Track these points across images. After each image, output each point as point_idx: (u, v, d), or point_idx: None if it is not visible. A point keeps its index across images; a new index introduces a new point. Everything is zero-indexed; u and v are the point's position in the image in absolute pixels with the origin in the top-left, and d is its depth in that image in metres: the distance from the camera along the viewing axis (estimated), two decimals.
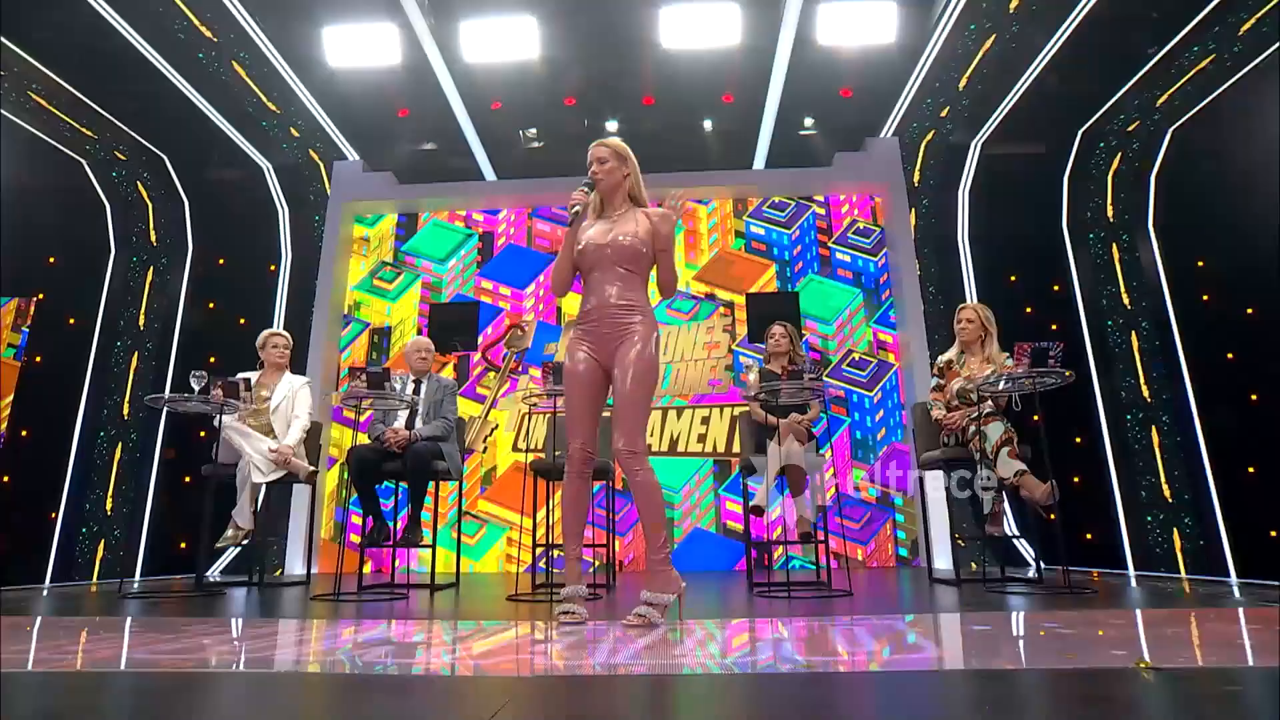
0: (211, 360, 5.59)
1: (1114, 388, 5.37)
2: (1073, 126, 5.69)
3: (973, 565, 4.69)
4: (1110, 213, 5.72)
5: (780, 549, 5.09)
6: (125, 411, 5.74)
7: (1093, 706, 1.25)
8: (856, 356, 5.82)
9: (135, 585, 4.29)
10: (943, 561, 4.67)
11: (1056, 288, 5.73)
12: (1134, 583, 3.72)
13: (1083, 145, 5.73)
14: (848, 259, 6.09)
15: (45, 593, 4.03)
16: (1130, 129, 5.53)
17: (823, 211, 6.21)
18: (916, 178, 6.05)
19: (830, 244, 6.12)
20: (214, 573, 5.16)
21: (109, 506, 5.52)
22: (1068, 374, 3.15)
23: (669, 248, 2.49)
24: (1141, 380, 5.35)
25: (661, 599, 2.30)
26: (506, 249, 6.30)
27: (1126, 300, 5.53)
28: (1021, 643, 1.99)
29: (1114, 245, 5.65)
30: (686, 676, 1.59)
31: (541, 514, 3.94)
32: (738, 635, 2.18)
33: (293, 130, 5.93)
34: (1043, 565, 3.67)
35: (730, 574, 4.81)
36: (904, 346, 5.74)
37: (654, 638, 2.03)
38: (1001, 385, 3.36)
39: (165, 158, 6.03)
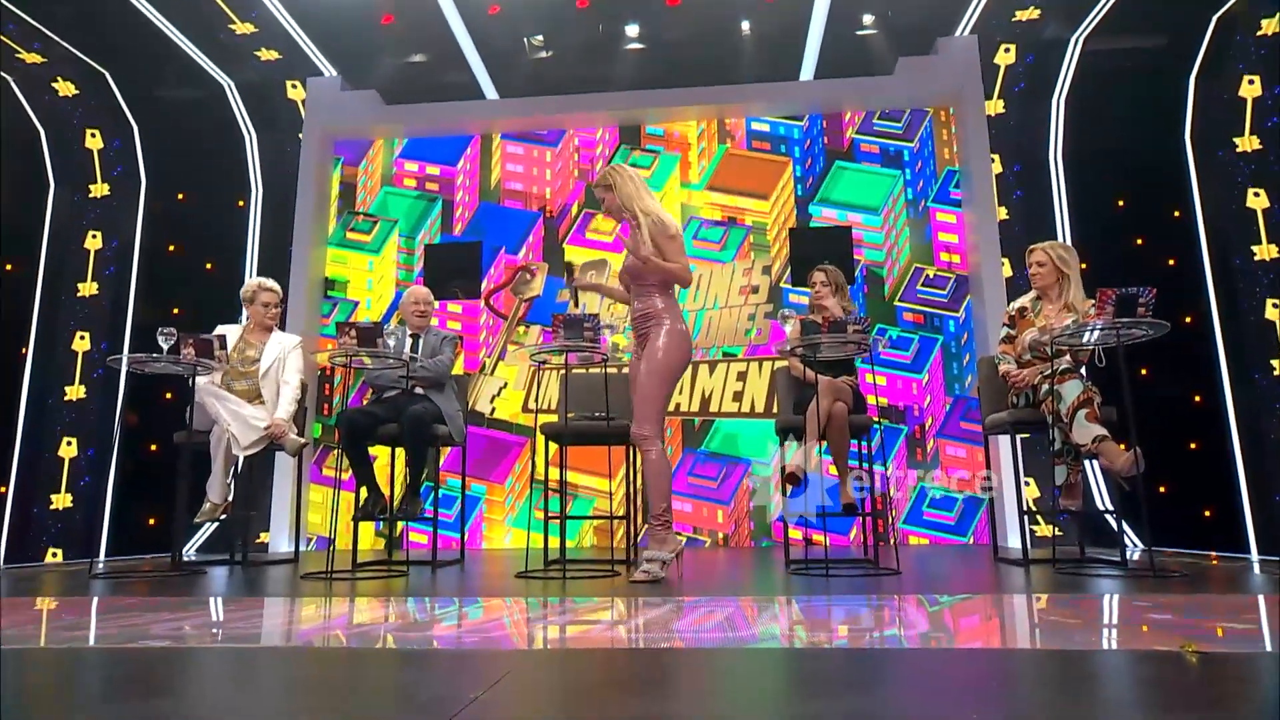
0: (175, 312, 5.98)
1: (1243, 339, 5.38)
2: (1204, 11, 5.59)
3: (1042, 528, 4.88)
4: (1249, 119, 5.65)
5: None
6: (77, 370, 6.11)
7: (1141, 689, 1.49)
8: (932, 274, 6.08)
9: (102, 565, 4.76)
10: (1015, 539, 4.92)
11: (1177, 214, 5.73)
12: (1256, 569, 3.85)
13: (1217, 35, 5.60)
14: (875, 150, 6.33)
15: None
16: None
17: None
18: (999, 84, 6.11)
19: (852, 135, 6.36)
20: (190, 551, 5.64)
21: (65, 477, 5.95)
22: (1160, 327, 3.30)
23: (655, 253, 3.32)
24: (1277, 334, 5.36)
25: (660, 555, 3.20)
26: (479, 211, 6.55)
27: (1264, 232, 5.49)
28: (1036, 623, 2.27)
29: (1252, 161, 5.59)
30: (685, 650, 1.91)
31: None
32: (744, 609, 2.51)
33: (256, 41, 6.10)
34: (1138, 545, 3.87)
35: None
36: (970, 227, 5.97)
37: (658, 611, 2.37)
38: (1085, 337, 3.55)
39: (107, 74, 6.22)
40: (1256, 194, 5.38)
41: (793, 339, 3.81)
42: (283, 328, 4.95)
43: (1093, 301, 3.56)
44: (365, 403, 4.55)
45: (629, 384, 3.56)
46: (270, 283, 4.62)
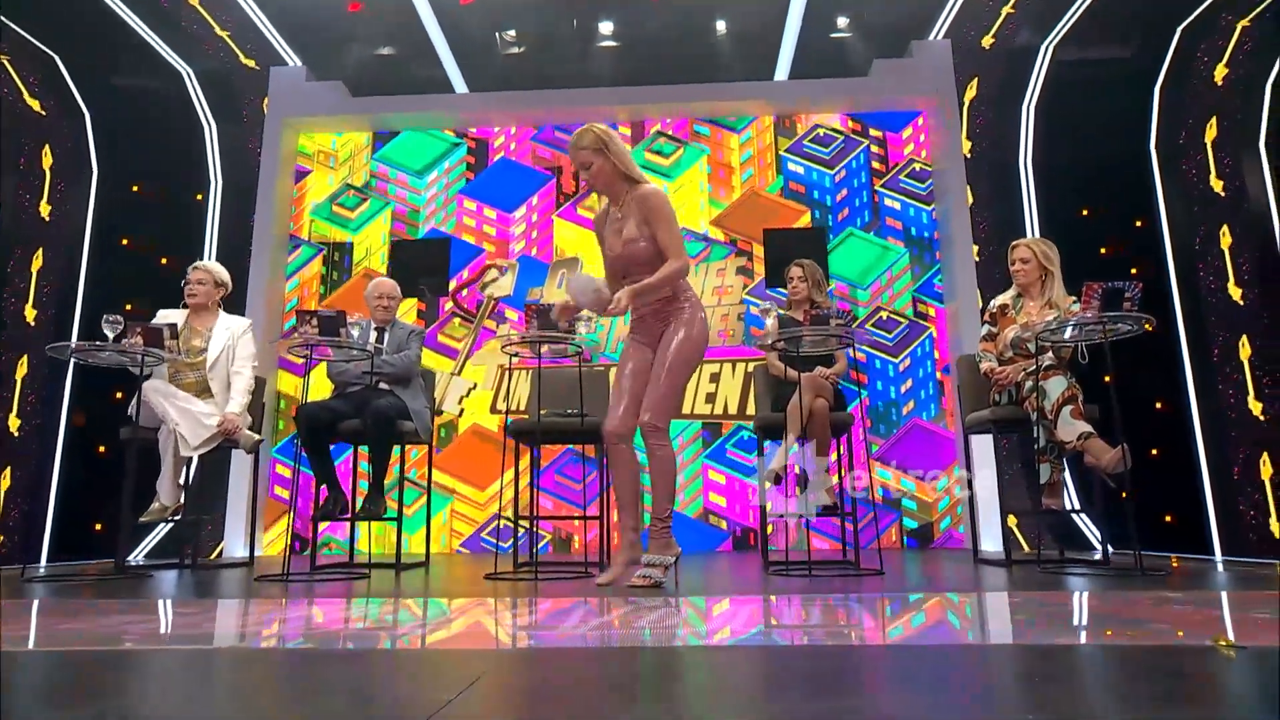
0: (128, 308, 5.69)
1: (1205, 345, 5.39)
2: (1170, 22, 5.61)
3: (1025, 546, 4.86)
4: (1213, 130, 5.68)
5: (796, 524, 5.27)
6: (21, 368, 5.81)
7: (1159, 683, 1.39)
8: (885, 316, 5.89)
9: (41, 570, 4.46)
10: (991, 542, 4.86)
11: (1139, 223, 5.74)
12: (1220, 568, 3.86)
13: (1182, 46, 5.62)
14: (897, 206, 6.13)
15: None
16: (1246, 22, 5.44)
17: (879, 151, 6.23)
18: (971, 89, 6.08)
19: (880, 187, 6.16)
20: (137, 556, 5.33)
21: (4, 480, 5.64)
22: (1147, 322, 3.24)
23: (663, 223, 3.00)
24: (1242, 338, 5.38)
25: (663, 560, 2.97)
26: (499, 163, 6.38)
27: (1226, 239, 5.52)
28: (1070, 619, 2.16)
29: (1214, 170, 5.60)
30: (660, 649, 1.80)
31: (520, 482, 4.10)
32: (717, 608, 2.40)
33: (217, 28, 5.91)
34: (1110, 548, 3.83)
35: (715, 554, 5.07)
36: (951, 319, 5.80)
37: (635, 611, 2.21)
38: (1068, 333, 3.48)
39: (56, 57, 5.96)
40: (1215, 175, 5.40)
41: (770, 333, 3.64)
42: (242, 312, 4.68)
43: (1074, 298, 3.50)
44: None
45: (617, 372, 3.20)
46: (199, 263, 4.40)
